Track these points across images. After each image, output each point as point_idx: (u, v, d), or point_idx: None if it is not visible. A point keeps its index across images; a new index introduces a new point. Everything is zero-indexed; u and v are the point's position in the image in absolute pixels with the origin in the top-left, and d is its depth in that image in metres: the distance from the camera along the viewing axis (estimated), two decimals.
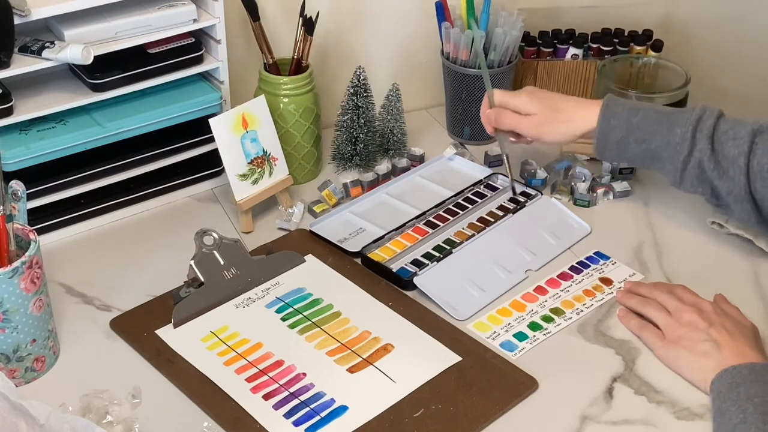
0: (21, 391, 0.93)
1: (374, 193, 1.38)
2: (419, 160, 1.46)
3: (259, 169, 1.31)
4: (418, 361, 1.08)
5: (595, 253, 1.27)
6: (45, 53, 1.17)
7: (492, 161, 1.45)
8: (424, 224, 1.31)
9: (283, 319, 1.15)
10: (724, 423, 0.97)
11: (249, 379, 1.06)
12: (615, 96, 1.27)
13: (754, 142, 1.15)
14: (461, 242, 1.27)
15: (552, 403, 1.04)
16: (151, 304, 1.16)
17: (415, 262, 1.24)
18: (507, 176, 1.36)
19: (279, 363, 1.08)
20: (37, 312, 1.03)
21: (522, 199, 1.36)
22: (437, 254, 1.25)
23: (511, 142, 1.34)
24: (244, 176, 1.29)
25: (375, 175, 1.41)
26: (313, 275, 1.22)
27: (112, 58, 1.22)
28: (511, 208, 1.34)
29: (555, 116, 1.25)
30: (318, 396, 1.04)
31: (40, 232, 1.21)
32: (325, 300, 1.18)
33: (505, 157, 1.35)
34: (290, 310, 1.16)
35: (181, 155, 1.34)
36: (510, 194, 1.37)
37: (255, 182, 1.31)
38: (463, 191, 1.37)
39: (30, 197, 1.19)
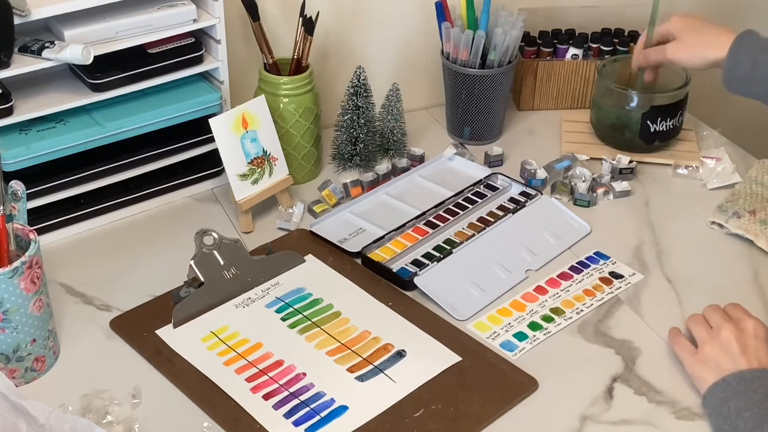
0: (21, 391, 0.93)
1: (374, 193, 1.38)
2: (419, 160, 1.46)
3: (259, 169, 1.31)
4: (418, 361, 1.08)
5: (595, 253, 1.27)
6: (45, 53, 1.16)
7: (492, 161, 1.45)
8: (424, 224, 1.31)
9: (283, 319, 1.15)
10: None
11: (249, 379, 1.06)
12: (752, 31, 1.28)
13: None
14: (461, 242, 1.27)
15: (552, 403, 1.04)
16: (151, 304, 1.16)
17: (416, 262, 1.24)
18: None
19: (279, 363, 1.08)
20: (37, 312, 1.03)
21: (522, 199, 1.36)
22: (437, 254, 1.25)
23: (647, 80, 1.44)
24: (244, 176, 1.29)
25: (375, 175, 1.41)
26: (313, 275, 1.22)
27: (112, 58, 1.22)
28: (511, 208, 1.34)
29: (695, 40, 1.32)
30: (318, 396, 1.04)
31: (40, 232, 1.21)
32: (325, 300, 1.18)
33: None
34: (290, 310, 1.16)
35: (180, 155, 1.34)
36: (510, 194, 1.37)
37: (255, 182, 1.31)
38: (463, 191, 1.37)
39: (30, 197, 1.19)
